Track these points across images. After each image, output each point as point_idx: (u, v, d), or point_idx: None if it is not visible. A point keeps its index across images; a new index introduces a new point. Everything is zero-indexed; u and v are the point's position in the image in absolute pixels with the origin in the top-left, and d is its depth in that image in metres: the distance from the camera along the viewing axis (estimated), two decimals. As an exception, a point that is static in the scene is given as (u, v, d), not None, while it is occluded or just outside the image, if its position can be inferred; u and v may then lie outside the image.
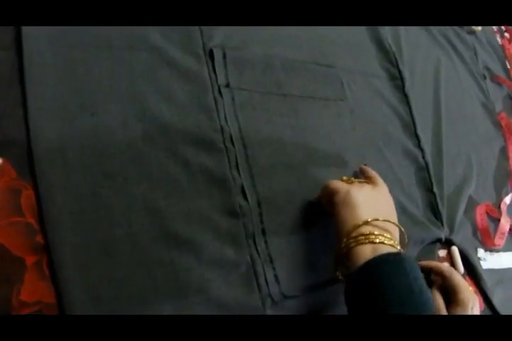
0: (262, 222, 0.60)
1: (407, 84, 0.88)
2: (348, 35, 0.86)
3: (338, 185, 0.61)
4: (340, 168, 0.70)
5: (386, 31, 0.91)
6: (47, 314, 0.46)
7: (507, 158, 1.05)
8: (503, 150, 1.05)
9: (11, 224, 0.47)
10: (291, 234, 0.63)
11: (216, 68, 0.65)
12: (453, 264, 0.80)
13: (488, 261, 0.86)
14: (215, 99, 0.64)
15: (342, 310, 0.59)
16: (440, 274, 0.67)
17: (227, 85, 0.65)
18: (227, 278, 0.56)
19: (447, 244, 0.81)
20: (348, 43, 0.85)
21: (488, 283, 0.82)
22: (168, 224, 0.55)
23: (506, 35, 1.30)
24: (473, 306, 0.63)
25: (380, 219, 0.56)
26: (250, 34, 0.72)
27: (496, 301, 0.82)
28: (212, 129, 0.62)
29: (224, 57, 0.66)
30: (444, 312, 0.63)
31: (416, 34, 0.99)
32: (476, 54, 1.13)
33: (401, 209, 0.63)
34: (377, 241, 0.54)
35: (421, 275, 0.52)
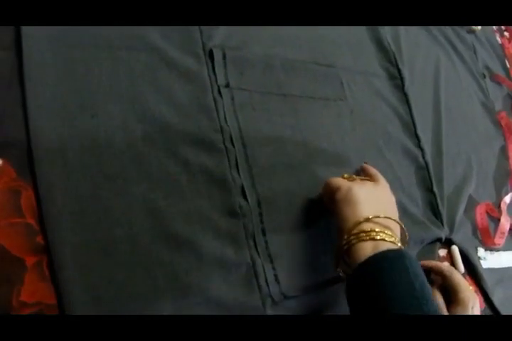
0: (262, 222, 0.60)
1: (407, 83, 0.88)
2: (347, 35, 0.85)
3: (340, 182, 0.61)
4: (340, 167, 0.70)
5: (386, 31, 0.91)
6: (47, 314, 0.46)
7: (507, 158, 1.05)
8: (503, 150, 1.05)
9: (11, 224, 0.47)
10: (291, 234, 0.63)
11: (216, 68, 0.65)
12: (453, 264, 0.80)
13: (489, 260, 0.86)
14: (214, 99, 0.63)
15: (342, 310, 0.59)
16: (440, 274, 0.67)
17: (227, 85, 0.65)
18: (228, 278, 0.56)
19: (447, 243, 0.81)
20: (347, 43, 0.85)
21: (489, 282, 0.82)
22: (168, 225, 0.55)
23: (506, 34, 1.30)
24: (474, 305, 0.64)
25: (381, 216, 0.56)
26: (250, 34, 0.72)
27: (496, 300, 0.82)
28: (212, 129, 0.62)
29: (224, 57, 0.66)
30: (444, 311, 0.63)
31: (415, 33, 0.99)
32: (475, 53, 1.13)
33: (401, 209, 0.63)
34: (378, 238, 0.54)
35: (421, 271, 0.52)
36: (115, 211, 0.53)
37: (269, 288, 0.58)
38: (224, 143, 0.62)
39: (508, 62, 1.23)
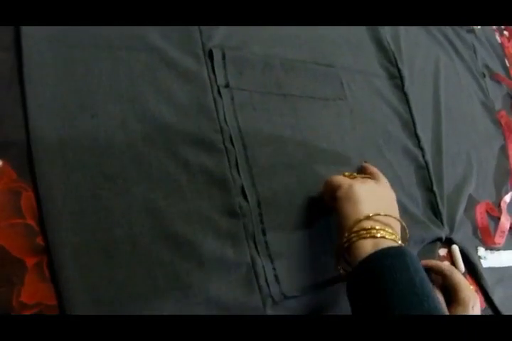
0: (262, 222, 0.60)
1: (407, 83, 0.88)
2: (347, 34, 0.85)
3: (341, 180, 0.62)
4: (340, 167, 0.70)
5: (386, 30, 0.91)
6: (47, 314, 0.46)
7: (507, 157, 1.05)
8: (503, 149, 1.05)
9: (11, 225, 0.47)
10: (291, 234, 0.63)
11: (215, 68, 0.65)
12: (453, 263, 0.80)
13: (489, 259, 0.86)
14: (214, 99, 0.63)
15: (343, 309, 0.59)
16: (441, 273, 0.67)
17: (227, 85, 0.65)
18: (228, 279, 0.56)
19: (448, 243, 0.81)
20: (347, 43, 0.85)
21: (489, 281, 0.82)
22: (169, 225, 0.55)
23: (505, 33, 1.30)
24: (474, 305, 0.64)
25: (382, 213, 0.56)
26: (250, 34, 0.72)
27: (497, 300, 0.82)
28: (212, 129, 0.61)
29: (223, 57, 0.66)
30: (445, 311, 0.63)
31: (415, 33, 0.99)
32: (475, 52, 1.13)
33: (401, 209, 0.63)
34: (379, 235, 0.54)
35: (422, 268, 0.52)
36: (115, 211, 0.53)
37: (269, 288, 0.58)
38: (224, 143, 0.61)
39: (508, 61, 1.23)
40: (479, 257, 0.85)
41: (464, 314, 0.62)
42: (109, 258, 0.51)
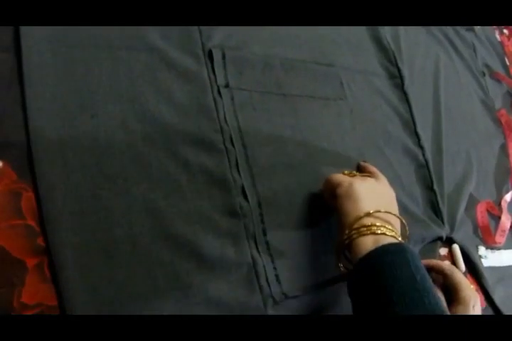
0: (262, 222, 0.60)
1: (407, 82, 0.88)
2: (347, 34, 0.85)
3: (341, 178, 0.62)
4: (340, 167, 0.70)
5: (385, 30, 0.91)
6: (48, 314, 0.46)
7: (507, 155, 1.05)
8: (503, 148, 1.05)
9: (11, 226, 0.47)
10: (292, 234, 0.63)
11: (215, 68, 0.65)
12: (454, 262, 0.80)
13: (489, 258, 0.86)
14: (214, 99, 0.63)
15: (344, 309, 0.59)
16: (441, 272, 0.67)
17: (227, 85, 0.65)
18: (228, 279, 0.56)
19: (448, 242, 0.81)
20: (347, 42, 0.85)
21: (490, 280, 0.82)
22: (169, 225, 0.55)
23: (505, 31, 1.29)
24: (475, 304, 0.64)
25: (382, 210, 0.57)
26: (250, 34, 0.72)
27: (497, 299, 0.82)
28: (212, 130, 0.62)
29: (223, 57, 0.66)
30: (445, 307, 0.63)
31: (415, 32, 0.99)
32: (475, 51, 1.13)
33: (401, 208, 0.63)
34: (379, 232, 0.54)
35: (422, 265, 0.52)
36: (115, 211, 0.53)
37: (270, 288, 0.58)
38: (224, 143, 0.62)
39: (508, 60, 1.22)
40: (480, 256, 0.85)
41: (464, 313, 0.62)
42: (109, 258, 0.51)
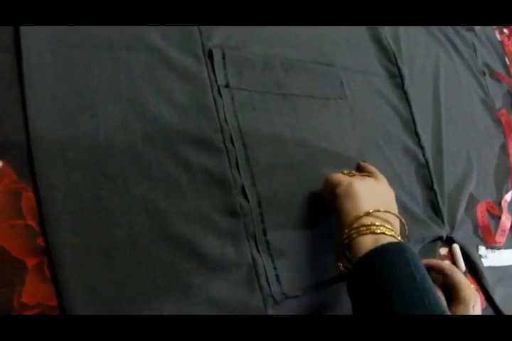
0: (262, 221, 0.61)
1: (407, 82, 0.88)
2: (347, 34, 0.85)
3: (340, 177, 0.62)
4: (340, 167, 0.70)
5: (385, 30, 0.91)
6: (48, 314, 0.46)
7: (507, 155, 1.04)
8: (503, 147, 1.05)
9: (11, 226, 0.47)
10: (292, 234, 0.63)
11: (215, 68, 0.65)
12: (454, 262, 0.80)
13: (490, 258, 0.86)
14: (214, 99, 0.63)
15: (344, 309, 0.59)
16: (441, 272, 0.67)
17: (227, 85, 0.65)
18: (228, 279, 0.56)
19: (448, 241, 0.81)
20: (347, 42, 0.85)
21: (490, 280, 0.82)
22: (169, 225, 0.55)
23: (505, 31, 1.29)
24: (475, 304, 0.64)
25: (381, 210, 0.57)
26: (250, 34, 0.72)
27: (498, 299, 0.82)
28: (212, 129, 0.62)
29: (223, 57, 0.66)
30: (445, 306, 0.63)
31: (415, 32, 0.99)
32: (475, 51, 1.13)
33: (401, 207, 0.63)
34: (379, 231, 0.54)
35: (422, 264, 0.52)
36: (115, 211, 0.53)
37: (270, 288, 0.58)
38: (224, 143, 0.62)
39: (508, 59, 1.22)
40: (480, 256, 0.85)
41: (464, 313, 0.62)
42: (109, 258, 0.51)
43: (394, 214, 0.58)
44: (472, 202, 0.89)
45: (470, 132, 0.99)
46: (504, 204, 0.94)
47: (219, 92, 0.64)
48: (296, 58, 0.75)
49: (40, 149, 0.51)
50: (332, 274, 0.62)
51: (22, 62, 0.53)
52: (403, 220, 0.60)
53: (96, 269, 0.50)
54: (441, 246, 0.80)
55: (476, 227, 0.88)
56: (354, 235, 0.55)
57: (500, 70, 1.18)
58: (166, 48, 0.63)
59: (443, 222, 0.80)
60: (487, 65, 1.15)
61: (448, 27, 1.08)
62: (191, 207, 0.57)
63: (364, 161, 0.73)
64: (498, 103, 1.11)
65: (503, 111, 1.09)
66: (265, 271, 0.58)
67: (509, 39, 1.28)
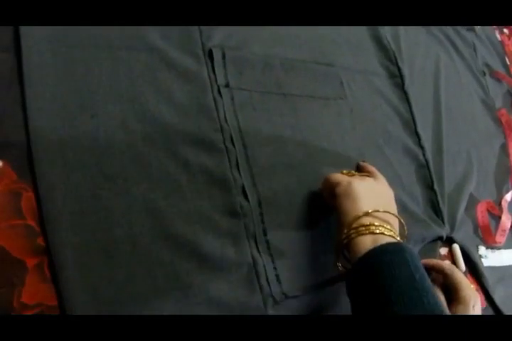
0: (263, 221, 0.61)
1: (407, 81, 0.88)
2: (347, 34, 0.85)
3: (339, 177, 0.62)
4: (340, 167, 0.70)
5: (386, 30, 0.91)
6: (48, 314, 0.46)
7: (507, 155, 1.04)
8: (504, 147, 1.05)
9: (11, 226, 0.47)
10: (292, 234, 0.63)
11: (215, 68, 0.65)
12: (454, 262, 0.80)
13: (490, 258, 0.86)
14: (214, 99, 0.63)
15: (344, 309, 0.59)
16: (441, 272, 0.67)
17: (227, 85, 0.65)
18: (228, 279, 0.56)
19: (448, 241, 0.81)
20: (347, 42, 0.85)
21: (490, 280, 0.82)
22: (169, 225, 0.55)
23: (505, 31, 1.29)
24: (475, 304, 0.64)
25: (381, 210, 0.57)
26: (250, 34, 0.72)
27: (498, 299, 0.82)
28: (212, 129, 0.62)
29: (223, 57, 0.66)
30: (445, 306, 0.63)
31: (415, 32, 0.99)
32: (475, 50, 1.13)
33: (402, 207, 0.63)
34: (378, 231, 0.54)
35: (421, 264, 0.52)
36: (115, 211, 0.53)
37: (270, 287, 0.58)
38: (224, 143, 0.62)
39: (508, 59, 1.22)
40: (480, 256, 0.85)
41: (464, 313, 0.62)
42: (109, 258, 0.51)
43: (393, 214, 0.58)
44: (472, 202, 0.89)
45: (470, 132, 0.99)
46: (504, 204, 0.94)
47: (219, 92, 0.64)
48: (296, 58, 0.75)
49: (40, 149, 0.51)
50: (332, 274, 0.62)
51: (22, 62, 0.53)
52: (402, 220, 0.60)
53: (96, 269, 0.50)
54: (441, 246, 0.80)
55: (476, 227, 0.88)
56: (353, 235, 0.55)
57: (501, 70, 1.18)
58: (166, 48, 0.63)
59: (443, 222, 0.80)
60: (487, 65, 1.14)
61: (448, 27, 1.08)
62: (191, 207, 0.57)
63: (364, 161, 0.73)
64: (498, 103, 1.11)
65: (503, 111, 1.09)
66: (265, 270, 0.58)
67: (509, 39, 1.28)
